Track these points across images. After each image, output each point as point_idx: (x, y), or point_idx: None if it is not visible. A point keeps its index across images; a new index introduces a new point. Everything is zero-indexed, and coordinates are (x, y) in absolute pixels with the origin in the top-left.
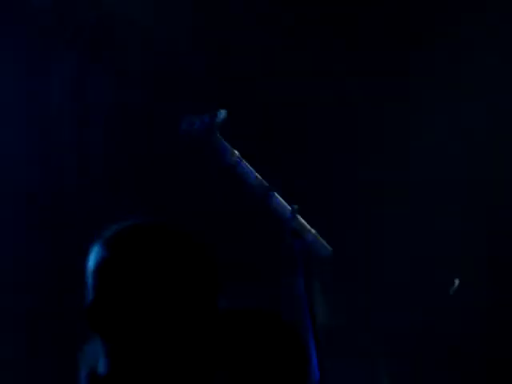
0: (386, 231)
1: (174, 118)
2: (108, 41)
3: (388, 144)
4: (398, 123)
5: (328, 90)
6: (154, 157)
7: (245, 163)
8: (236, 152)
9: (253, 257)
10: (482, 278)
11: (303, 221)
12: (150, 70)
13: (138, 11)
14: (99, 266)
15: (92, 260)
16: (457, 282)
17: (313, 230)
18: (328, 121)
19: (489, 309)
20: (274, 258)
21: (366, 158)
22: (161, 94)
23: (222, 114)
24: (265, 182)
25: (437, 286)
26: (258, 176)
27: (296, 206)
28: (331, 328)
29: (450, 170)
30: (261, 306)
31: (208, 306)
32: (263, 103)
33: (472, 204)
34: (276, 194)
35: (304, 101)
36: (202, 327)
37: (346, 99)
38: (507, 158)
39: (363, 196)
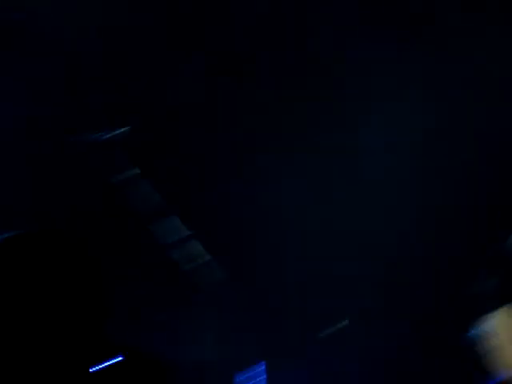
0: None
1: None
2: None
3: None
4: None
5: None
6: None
7: (143, 182)
8: (136, 170)
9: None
10: None
11: (198, 245)
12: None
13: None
14: None
15: None
16: None
17: (207, 255)
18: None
19: None
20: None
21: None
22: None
23: (125, 130)
24: (163, 202)
25: None
26: (156, 196)
27: (192, 231)
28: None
29: None
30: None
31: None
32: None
33: None
34: (174, 216)
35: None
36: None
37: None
38: None
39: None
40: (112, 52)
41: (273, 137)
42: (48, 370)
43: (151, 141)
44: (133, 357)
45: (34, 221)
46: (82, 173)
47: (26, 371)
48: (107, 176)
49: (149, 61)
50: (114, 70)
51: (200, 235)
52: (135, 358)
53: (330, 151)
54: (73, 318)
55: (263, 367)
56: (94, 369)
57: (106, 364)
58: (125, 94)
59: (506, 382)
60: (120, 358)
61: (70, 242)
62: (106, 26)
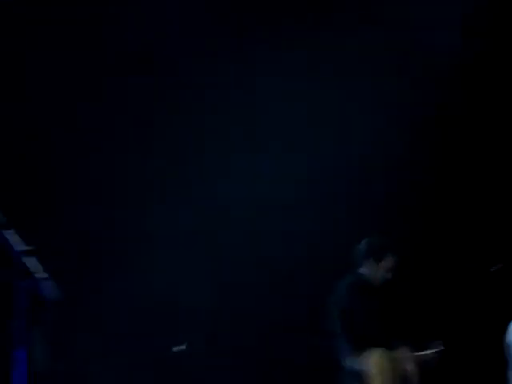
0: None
1: None
2: None
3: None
4: None
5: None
6: None
7: None
8: None
9: None
10: None
11: (37, 261)
12: None
13: None
14: None
15: None
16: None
17: (45, 272)
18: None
19: None
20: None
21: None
22: None
23: None
24: (2, 216)
25: None
26: None
27: (32, 246)
28: (50, 374)
29: None
30: None
31: None
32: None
33: None
34: (13, 231)
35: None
36: None
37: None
38: None
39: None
40: None
41: None
42: None
43: None
44: None
45: None
46: None
47: None
48: None
49: None
50: None
51: (40, 251)
52: None
53: None
54: None
55: None
56: None
57: None
58: None
59: None
60: None
61: None
62: None
